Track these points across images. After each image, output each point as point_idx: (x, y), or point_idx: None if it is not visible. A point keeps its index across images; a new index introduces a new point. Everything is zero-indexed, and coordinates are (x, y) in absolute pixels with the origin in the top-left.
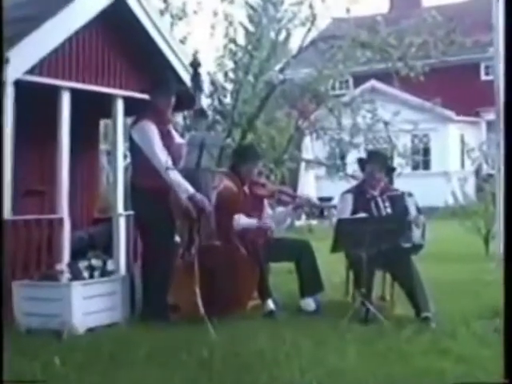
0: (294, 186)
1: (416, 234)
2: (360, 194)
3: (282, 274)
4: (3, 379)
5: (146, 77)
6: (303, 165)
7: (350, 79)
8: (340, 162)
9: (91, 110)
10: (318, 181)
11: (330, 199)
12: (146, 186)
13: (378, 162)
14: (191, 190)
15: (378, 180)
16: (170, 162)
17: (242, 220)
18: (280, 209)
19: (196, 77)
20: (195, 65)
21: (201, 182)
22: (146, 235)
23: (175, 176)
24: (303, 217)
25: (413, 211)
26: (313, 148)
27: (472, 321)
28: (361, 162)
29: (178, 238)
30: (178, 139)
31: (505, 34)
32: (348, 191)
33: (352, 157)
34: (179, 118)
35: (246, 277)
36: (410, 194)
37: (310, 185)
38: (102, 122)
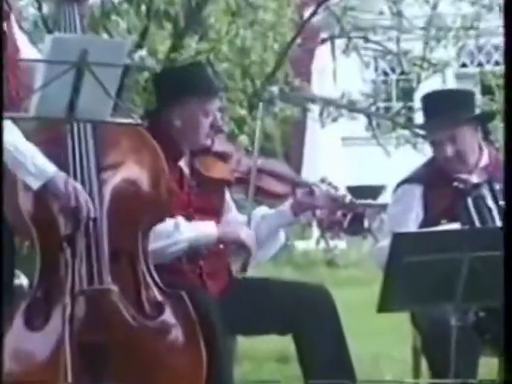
0: (296, 160)
1: None
2: (439, 182)
3: (265, 363)
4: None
5: None
6: (315, 111)
7: None
8: (400, 105)
9: None
10: (347, 148)
11: (377, 190)
12: None
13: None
14: (51, 170)
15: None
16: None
17: (182, 228)
18: (262, 210)
19: None
20: None
21: (77, 153)
22: None
23: (15, 139)
24: (314, 230)
25: None
26: (336, 74)
27: None
28: (433, 101)
29: (23, 280)
30: (25, 49)
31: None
32: (413, 178)
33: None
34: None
35: (178, 369)
36: None
37: (332, 157)
38: None
